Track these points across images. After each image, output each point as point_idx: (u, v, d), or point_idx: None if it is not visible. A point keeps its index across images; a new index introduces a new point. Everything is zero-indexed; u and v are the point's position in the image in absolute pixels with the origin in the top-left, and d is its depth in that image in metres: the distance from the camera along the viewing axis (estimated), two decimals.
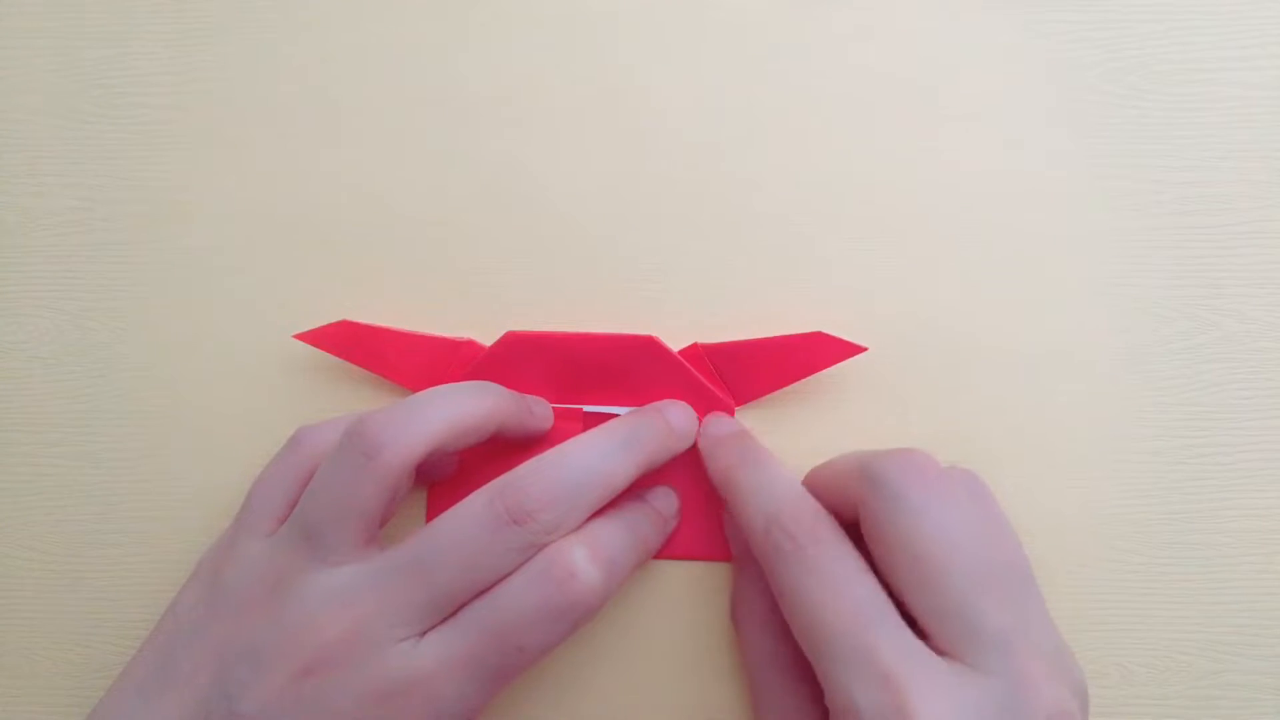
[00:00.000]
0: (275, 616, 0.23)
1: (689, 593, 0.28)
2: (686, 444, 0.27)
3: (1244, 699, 0.28)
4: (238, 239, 0.30)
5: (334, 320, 0.28)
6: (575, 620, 0.23)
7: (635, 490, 0.27)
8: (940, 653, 0.21)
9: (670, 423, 0.27)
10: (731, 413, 0.28)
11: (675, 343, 0.28)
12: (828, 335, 0.27)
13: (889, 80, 0.29)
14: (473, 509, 0.24)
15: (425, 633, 0.23)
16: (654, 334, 0.28)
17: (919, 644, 0.21)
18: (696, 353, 0.28)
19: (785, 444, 0.28)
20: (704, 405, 0.28)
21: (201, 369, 0.29)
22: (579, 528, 0.24)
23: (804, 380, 0.28)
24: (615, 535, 0.25)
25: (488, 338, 0.28)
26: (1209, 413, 0.28)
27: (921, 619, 0.22)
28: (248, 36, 0.30)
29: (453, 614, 0.23)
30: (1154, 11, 0.29)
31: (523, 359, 0.28)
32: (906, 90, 0.29)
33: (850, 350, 0.27)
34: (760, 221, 0.29)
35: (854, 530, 0.24)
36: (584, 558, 0.24)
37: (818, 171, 0.29)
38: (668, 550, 0.28)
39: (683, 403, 0.28)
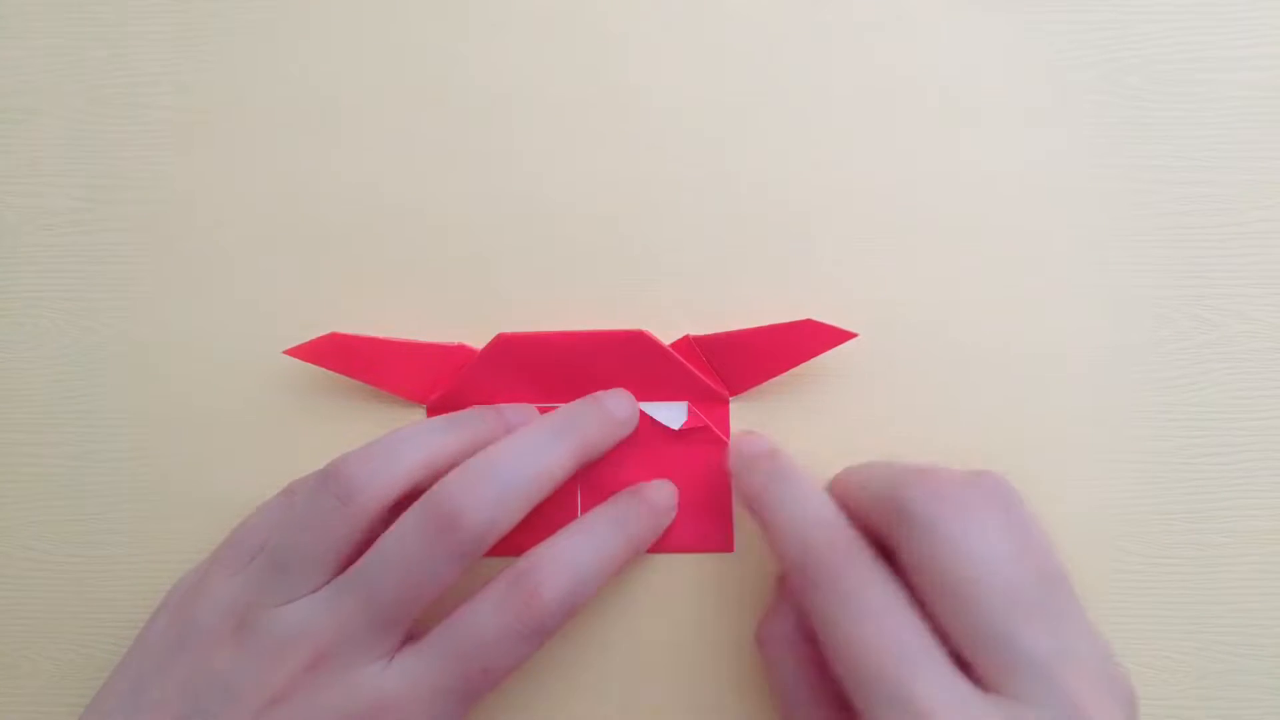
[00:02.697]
0: (243, 648, 0.23)
1: (686, 586, 0.28)
2: (627, 430, 0.27)
3: (1244, 699, 0.28)
4: (238, 238, 0.30)
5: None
6: (540, 639, 0.24)
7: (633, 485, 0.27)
8: (984, 685, 0.21)
9: (608, 409, 0.27)
10: (725, 404, 0.28)
11: (666, 337, 0.28)
12: (817, 322, 0.27)
13: (889, 79, 0.29)
14: (407, 522, 0.24)
15: (395, 655, 0.23)
16: (645, 329, 0.28)
17: (962, 682, 0.21)
18: (688, 345, 0.28)
19: (783, 444, 0.28)
20: (697, 397, 0.28)
21: (202, 369, 0.29)
22: (552, 542, 0.25)
23: (802, 379, 0.28)
24: (587, 543, 0.25)
25: (487, 337, 0.28)
26: (1209, 413, 0.28)
27: (963, 650, 0.21)
28: (248, 36, 0.30)
29: (423, 635, 0.24)
30: (1154, 11, 0.29)
31: (515, 361, 0.28)
32: (906, 89, 0.29)
33: (840, 336, 0.27)
34: (758, 220, 0.29)
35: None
36: (553, 571, 0.24)
37: (816, 170, 0.29)
38: (666, 544, 0.28)
39: (623, 390, 0.28)
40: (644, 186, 0.29)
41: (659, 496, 0.27)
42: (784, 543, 0.24)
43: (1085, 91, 0.29)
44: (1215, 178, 0.29)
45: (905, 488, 0.23)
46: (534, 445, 0.25)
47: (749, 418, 0.28)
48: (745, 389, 0.28)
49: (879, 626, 0.21)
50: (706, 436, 0.28)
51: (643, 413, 0.28)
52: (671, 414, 0.28)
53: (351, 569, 0.24)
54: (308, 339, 0.29)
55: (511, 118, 0.29)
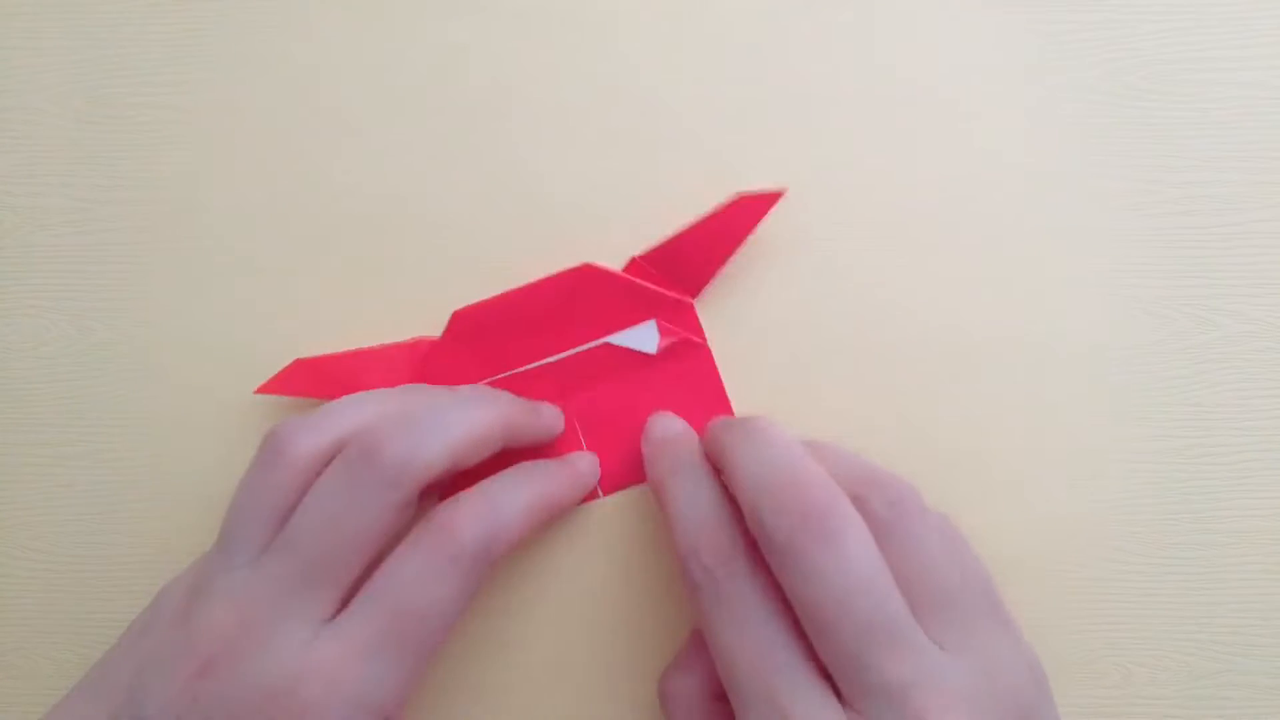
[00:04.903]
0: (182, 623, 0.23)
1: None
2: (554, 431, 0.28)
3: (1244, 699, 0.28)
4: (239, 237, 0.30)
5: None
6: (464, 575, 0.23)
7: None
8: (844, 702, 0.21)
9: (536, 405, 0.27)
10: (691, 309, 0.28)
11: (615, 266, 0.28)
12: (748, 194, 0.27)
13: (889, 79, 0.29)
14: (328, 473, 0.23)
15: (325, 623, 0.23)
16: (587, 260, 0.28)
17: (828, 698, 0.21)
18: (637, 265, 0.28)
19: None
20: (663, 312, 0.28)
21: (202, 368, 0.29)
22: (469, 490, 0.24)
23: (803, 377, 0.28)
24: (505, 487, 0.25)
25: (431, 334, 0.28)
26: (1209, 413, 0.28)
27: (828, 667, 0.21)
28: (247, 36, 0.30)
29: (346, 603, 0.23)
30: (1155, 11, 0.29)
31: (475, 333, 0.28)
32: (906, 89, 0.29)
33: (771, 198, 0.27)
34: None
35: None
36: (465, 511, 0.23)
37: (817, 168, 0.29)
38: (641, 476, 0.28)
39: (552, 405, 0.28)
40: (644, 185, 0.29)
41: (581, 462, 0.28)
42: (676, 538, 0.24)
43: (1085, 91, 0.29)
44: (1216, 178, 0.29)
45: (766, 505, 0.22)
46: (454, 397, 0.25)
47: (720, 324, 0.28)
48: (703, 285, 0.28)
49: (752, 636, 0.22)
50: (685, 348, 0.28)
51: (621, 347, 0.28)
52: (643, 336, 0.28)
53: (281, 532, 0.23)
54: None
55: (512, 116, 0.29)
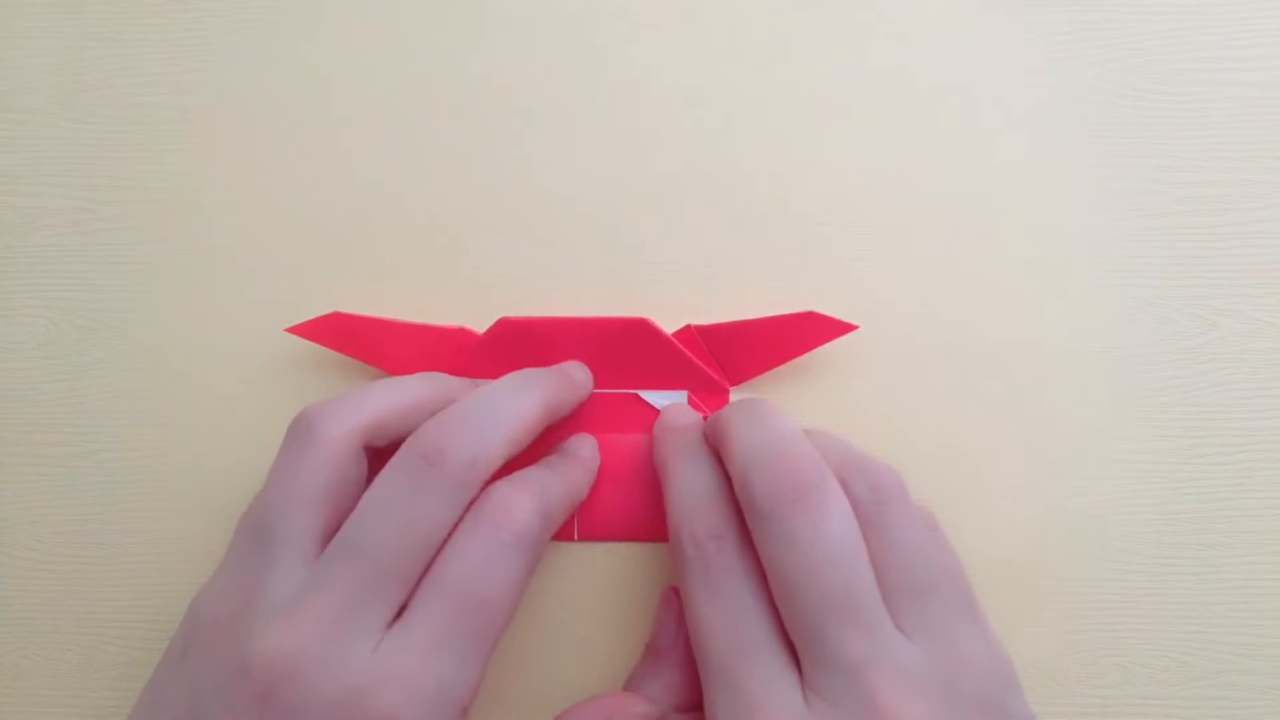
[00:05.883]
0: (234, 639, 0.22)
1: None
2: (585, 393, 0.28)
3: (1244, 699, 0.28)
4: (239, 238, 0.30)
5: (310, 341, 0.28)
6: (526, 556, 0.23)
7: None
8: (807, 684, 0.21)
9: (568, 372, 0.27)
10: (726, 394, 0.28)
11: (668, 325, 0.28)
12: (819, 314, 0.27)
13: (889, 79, 0.29)
14: (388, 475, 0.23)
15: (388, 628, 0.22)
16: (647, 316, 0.28)
17: (789, 677, 0.21)
18: (690, 334, 0.28)
19: None
20: (698, 386, 0.28)
21: (202, 368, 0.29)
22: (502, 481, 0.24)
23: (802, 376, 0.28)
24: (542, 475, 0.25)
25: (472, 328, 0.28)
26: (1209, 413, 0.28)
27: (792, 639, 0.22)
28: (248, 35, 0.30)
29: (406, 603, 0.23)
30: (1154, 11, 0.29)
31: (515, 345, 0.28)
32: (906, 89, 0.29)
33: (842, 328, 0.27)
34: (758, 217, 0.29)
35: None
36: (517, 493, 0.23)
37: (817, 168, 0.29)
38: (642, 532, 0.28)
39: (580, 363, 0.28)
40: (645, 184, 0.29)
41: (581, 448, 0.28)
42: (670, 512, 0.25)
43: (1085, 91, 0.29)
44: (1215, 178, 0.29)
45: (756, 473, 0.23)
46: (504, 390, 0.25)
47: None
48: (746, 379, 0.28)
49: (725, 611, 0.22)
50: None
51: (642, 399, 0.28)
52: (671, 402, 0.28)
53: (338, 535, 0.23)
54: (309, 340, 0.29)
55: (512, 114, 0.29)
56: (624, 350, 0.28)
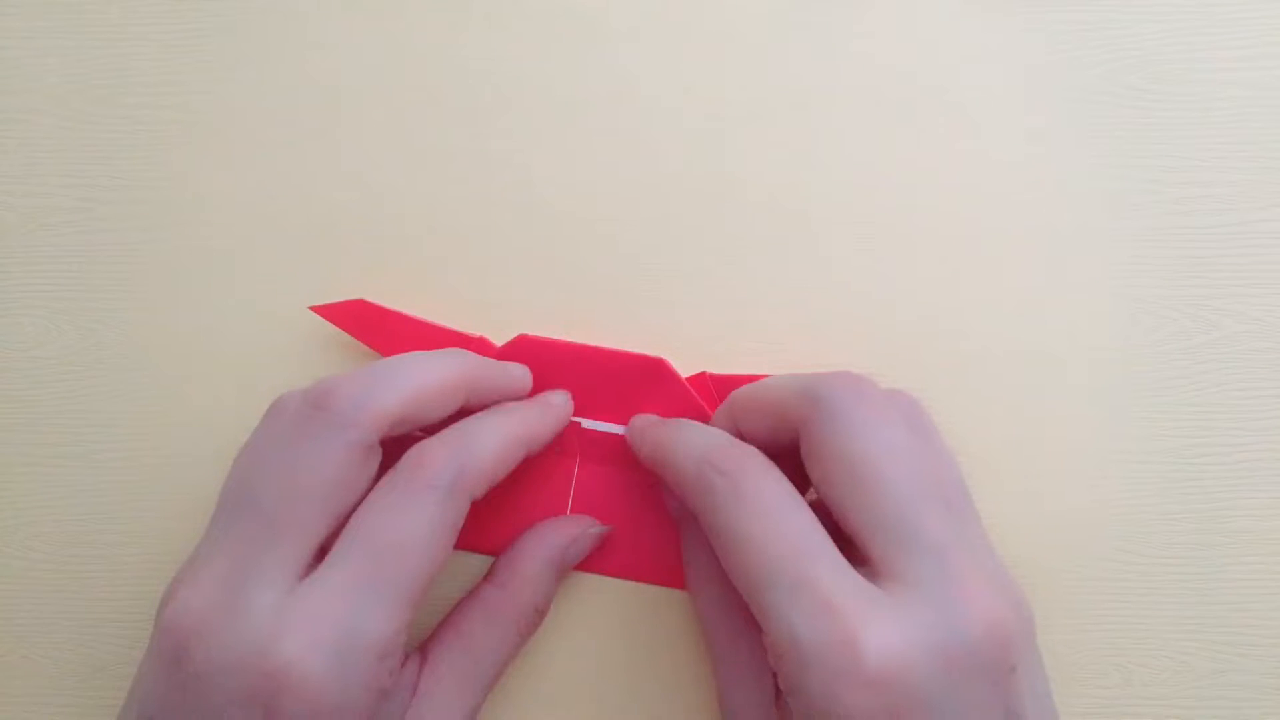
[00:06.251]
0: (156, 622, 0.22)
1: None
2: (513, 383, 0.27)
3: (1244, 699, 0.28)
4: (239, 238, 0.30)
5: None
6: (440, 503, 0.22)
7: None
8: (877, 574, 0.21)
9: (547, 401, 0.27)
10: None
11: (682, 365, 0.28)
12: None
13: (889, 80, 0.29)
14: (274, 421, 0.23)
15: (299, 580, 0.22)
16: (662, 350, 0.28)
17: (858, 576, 0.21)
18: (704, 382, 0.28)
19: None
20: None
21: (202, 369, 0.29)
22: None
23: None
24: (477, 422, 0.24)
25: (491, 338, 0.28)
26: (1209, 413, 0.28)
27: (860, 534, 0.22)
28: (248, 36, 0.30)
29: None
30: (1155, 11, 0.29)
31: (531, 363, 0.28)
32: (906, 89, 0.29)
33: None
34: (759, 217, 0.29)
35: (787, 461, 0.24)
36: (434, 443, 0.23)
37: (816, 168, 0.29)
38: (627, 570, 0.28)
39: (560, 392, 0.28)
40: (645, 184, 0.29)
41: (555, 397, 0.27)
42: (681, 470, 0.24)
43: (1086, 91, 0.29)
44: (1215, 178, 0.29)
45: (820, 380, 0.23)
46: (415, 357, 0.25)
47: None
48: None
49: (779, 521, 0.22)
50: None
51: None
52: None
53: (232, 492, 0.23)
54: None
55: (511, 115, 0.29)
56: (635, 387, 0.28)
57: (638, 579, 0.28)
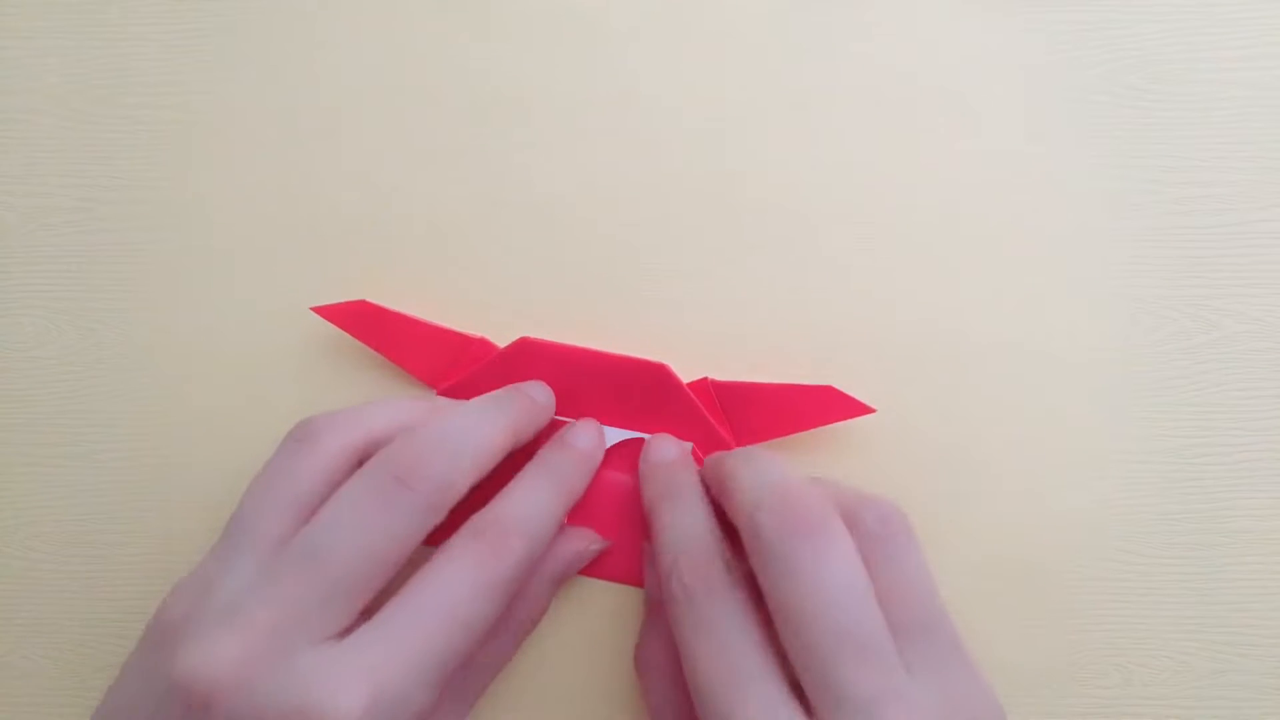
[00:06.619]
0: (182, 639, 0.21)
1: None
2: (547, 416, 0.27)
3: (1244, 699, 0.28)
4: (239, 239, 0.30)
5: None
6: (507, 594, 0.23)
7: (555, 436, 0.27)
8: (813, 715, 0.21)
9: (530, 394, 0.27)
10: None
11: (684, 369, 0.28)
12: (837, 391, 0.27)
13: (889, 79, 0.29)
14: (356, 488, 0.22)
15: (335, 641, 0.21)
16: (663, 350, 0.28)
17: (788, 705, 0.21)
18: (705, 388, 0.28)
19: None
20: (705, 441, 0.28)
21: (202, 369, 0.29)
22: (504, 498, 0.24)
23: (800, 379, 0.28)
24: (531, 495, 0.25)
25: (492, 339, 0.28)
26: (1209, 413, 0.28)
27: (799, 677, 0.22)
28: (248, 36, 0.30)
29: (364, 615, 0.22)
30: (1155, 11, 0.29)
31: (532, 366, 0.28)
32: (906, 89, 0.29)
33: (858, 409, 0.27)
34: (758, 218, 0.29)
35: None
36: (512, 528, 0.23)
37: (816, 169, 0.29)
38: (626, 575, 0.28)
39: (542, 384, 0.28)
40: (646, 184, 0.29)
41: (585, 440, 0.27)
42: (659, 556, 0.25)
43: (1086, 91, 0.29)
44: (1215, 178, 0.29)
45: (762, 512, 0.23)
46: (470, 411, 0.25)
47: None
48: (754, 441, 0.28)
49: (720, 646, 0.22)
50: None
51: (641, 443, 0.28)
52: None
53: (295, 539, 0.22)
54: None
55: (511, 115, 0.29)
56: (637, 392, 0.28)
57: (637, 584, 0.28)
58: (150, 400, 0.29)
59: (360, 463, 0.24)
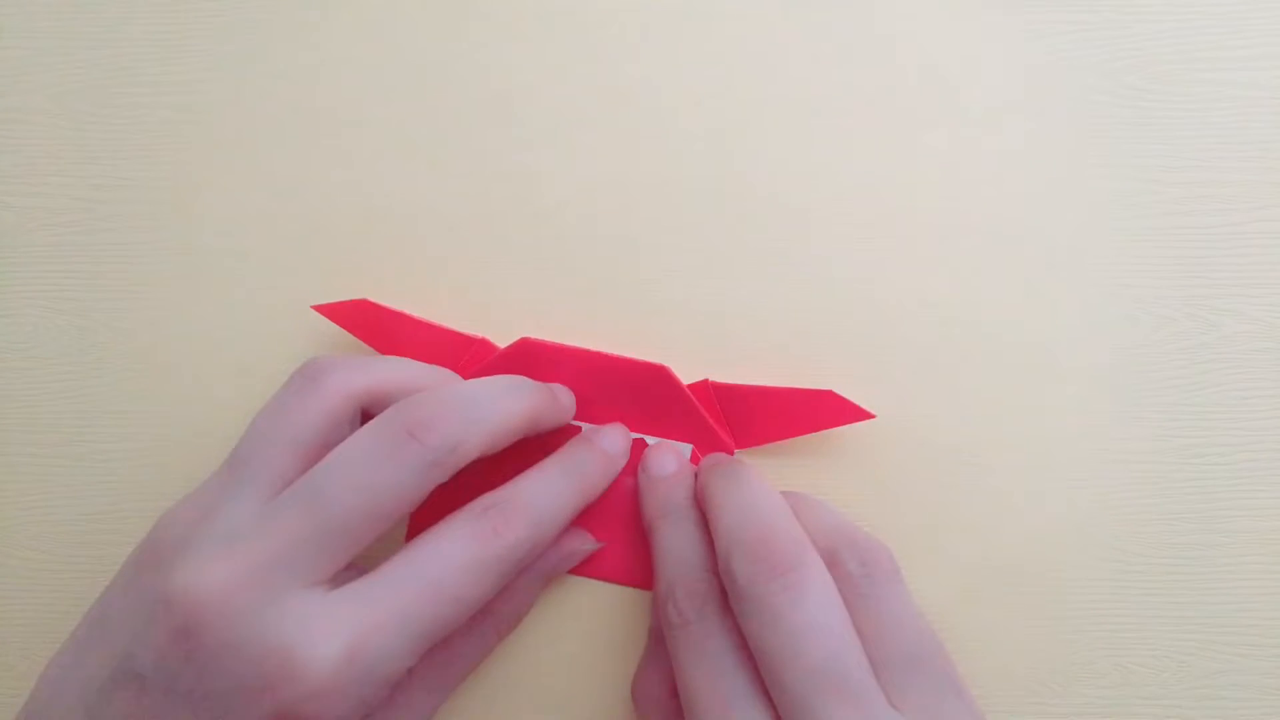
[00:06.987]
0: (171, 566, 0.21)
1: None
2: (567, 417, 0.27)
3: (1244, 699, 0.28)
4: (238, 239, 0.30)
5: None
6: (501, 576, 0.23)
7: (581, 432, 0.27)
8: None
9: (555, 394, 0.27)
10: (730, 453, 0.28)
11: (684, 370, 0.28)
12: (838, 396, 0.27)
13: (889, 79, 0.29)
14: (365, 435, 0.22)
15: (325, 585, 0.21)
16: (663, 349, 0.28)
17: None
18: (705, 389, 0.28)
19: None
20: (705, 443, 0.28)
21: (201, 369, 0.29)
22: (516, 484, 0.24)
23: (800, 379, 0.28)
24: (545, 486, 0.25)
25: (493, 339, 0.28)
26: (1209, 413, 0.28)
27: (782, 718, 0.22)
28: (248, 36, 0.30)
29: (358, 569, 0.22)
30: (1154, 11, 0.29)
31: (533, 366, 0.28)
32: (906, 89, 0.29)
33: (858, 415, 0.27)
34: (758, 218, 0.29)
35: None
36: (515, 514, 0.23)
37: (816, 168, 0.29)
38: (622, 575, 0.28)
39: (568, 389, 0.27)
40: (647, 185, 0.29)
41: (611, 443, 0.27)
42: (656, 580, 0.25)
43: (1085, 91, 0.29)
44: (1215, 178, 0.29)
45: (735, 558, 0.23)
46: (493, 384, 0.25)
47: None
48: (753, 445, 0.28)
49: (716, 678, 0.22)
50: None
51: (649, 446, 0.28)
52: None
53: (299, 479, 0.22)
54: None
55: (510, 116, 0.30)
56: (637, 393, 0.28)
57: (633, 584, 0.28)
58: (150, 400, 0.29)
59: (364, 413, 0.24)
